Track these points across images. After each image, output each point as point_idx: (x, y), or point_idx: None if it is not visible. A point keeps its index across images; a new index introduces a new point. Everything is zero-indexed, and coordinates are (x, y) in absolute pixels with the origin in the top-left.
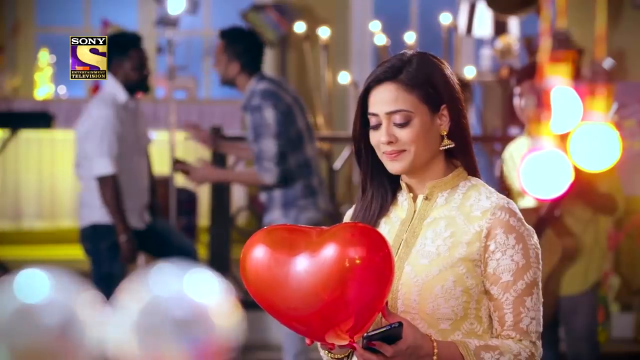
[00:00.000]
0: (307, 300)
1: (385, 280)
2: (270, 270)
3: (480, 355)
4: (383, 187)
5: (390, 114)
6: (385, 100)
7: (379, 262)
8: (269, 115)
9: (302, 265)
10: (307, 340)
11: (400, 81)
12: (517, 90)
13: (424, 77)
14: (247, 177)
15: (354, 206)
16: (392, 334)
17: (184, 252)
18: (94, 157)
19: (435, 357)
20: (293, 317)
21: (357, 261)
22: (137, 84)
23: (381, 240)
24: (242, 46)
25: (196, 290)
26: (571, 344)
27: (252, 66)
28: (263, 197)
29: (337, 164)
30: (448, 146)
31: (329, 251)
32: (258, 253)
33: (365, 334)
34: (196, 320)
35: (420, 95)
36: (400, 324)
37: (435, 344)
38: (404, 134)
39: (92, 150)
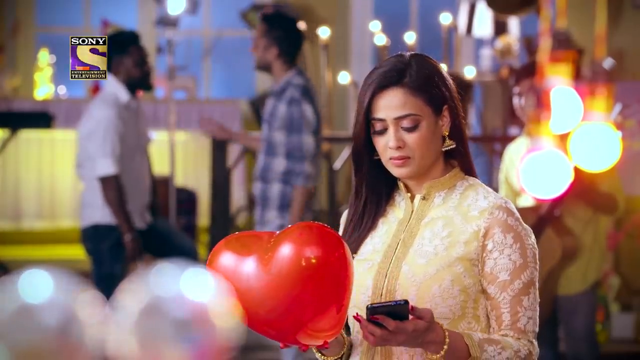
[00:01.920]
0: (269, 302)
1: (342, 279)
2: (233, 277)
3: (483, 347)
4: (379, 188)
5: (399, 119)
6: (393, 105)
7: (334, 262)
8: (309, 111)
9: (261, 267)
10: (281, 344)
11: (406, 85)
12: (516, 89)
13: (426, 79)
14: (302, 197)
15: (347, 210)
16: (397, 311)
17: (185, 252)
18: (97, 158)
19: (445, 347)
20: (262, 321)
21: (313, 260)
22: (139, 82)
23: (337, 240)
24: (282, 32)
25: (196, 290)
26: (571, 344)
27: (289, 53)
28: (257, 190)
29: (337, 164)
30: (450, 147)
31: (285, 251)
32: (221, 262)
33: (369, 305)
34: (196, 321)
35: (425, 98)
36: (406, 302)
37: (446, 333)
38: (412, 138)
39: (95, 150)
